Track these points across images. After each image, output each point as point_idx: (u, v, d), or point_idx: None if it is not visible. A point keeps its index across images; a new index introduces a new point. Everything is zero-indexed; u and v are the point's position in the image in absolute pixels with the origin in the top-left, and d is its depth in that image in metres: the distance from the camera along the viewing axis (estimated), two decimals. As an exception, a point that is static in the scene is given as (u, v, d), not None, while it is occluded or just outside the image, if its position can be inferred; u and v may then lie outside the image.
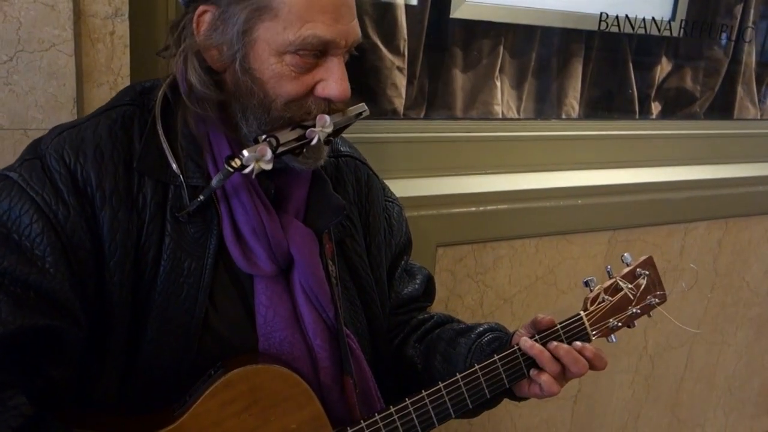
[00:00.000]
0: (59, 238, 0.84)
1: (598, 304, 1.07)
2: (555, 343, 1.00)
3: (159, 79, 0.98)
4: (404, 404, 0.96)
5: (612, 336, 1.09)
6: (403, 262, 1.19)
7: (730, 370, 2.34)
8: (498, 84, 1.95)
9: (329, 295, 0.98)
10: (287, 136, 0.89)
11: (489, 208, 1.66)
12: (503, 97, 1.99)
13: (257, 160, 0.87)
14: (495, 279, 1.72)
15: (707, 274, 2.14)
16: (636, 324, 1.11)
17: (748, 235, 2.19)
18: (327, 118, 0.90)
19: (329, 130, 0.91)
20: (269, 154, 0.88)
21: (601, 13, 1.91)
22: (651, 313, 1.12)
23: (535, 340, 1.00)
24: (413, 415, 0.96)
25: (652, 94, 2.27)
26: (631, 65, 2.17)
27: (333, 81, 0.89)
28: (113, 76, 1.12)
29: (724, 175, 2.09)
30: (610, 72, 2.17)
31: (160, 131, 0.91)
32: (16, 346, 0.78)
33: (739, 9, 2.27)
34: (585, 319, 1.05)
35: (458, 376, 0.98)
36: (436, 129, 1.77)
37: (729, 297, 2.21)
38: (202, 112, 0.89)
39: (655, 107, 2.30)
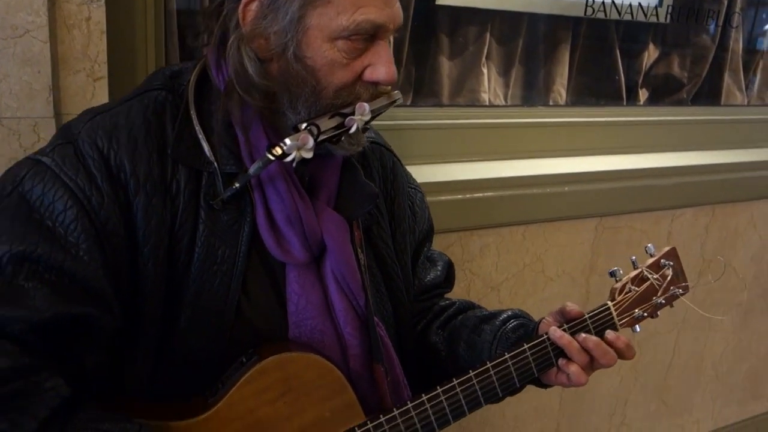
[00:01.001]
0: (93, 225, 0.83)
1: (625, 294, 1.07)
2: (584, 334, 1.00)
3: (186, 63, 0.97)
4: (436, 392, 0.96)
5: (637, 326, 1.09)
6: (425, 249, 1.19)
7: (718, 356, 2.36)
8: (485, 71, 1.94)
9: (360, 282, 0.98)
10: (327, 124, 0.89)
11: (475, 195, 1.65)
12: (490, 85, 1.97)
13: (299, 149, 0.87)
14: (482, 267, 1.72)
15: (694, 260, 2.15)
16: (659, 314, 1.11)
17: (734, 222, 2.19)
18: (366, 106, 0.90)
19: (367, 117, 0.91)
20: (311, 142, 0.87)
21: (587, -1, 1.90)
22: (673, 303, 1.12)
23: (564, 330, 1.00)
24: (445, 404, 0.96)
25: (640, 81, 2.27)
26: (618, 52, 2.16)
27: (381, 65, 0.89)
28: (90, 63, 1.10)
29: (711, 162, 2.09)
30: (598, 58, 2.16)
31: (194, 118, 0.91)
32: (51, 332, 0.78)
33: (726, -6, 2.27)
34: (612, 309, 1.05)
35: (489, 365, 0.98)
36: (423, 116, 1.75)
37: (716, 283, 2.22)
38: (251, 101, 0.88)
39: (643, 94, 2.30)
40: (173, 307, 0.89)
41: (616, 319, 1.05)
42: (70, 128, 0.89)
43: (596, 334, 1.02)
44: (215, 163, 0.90)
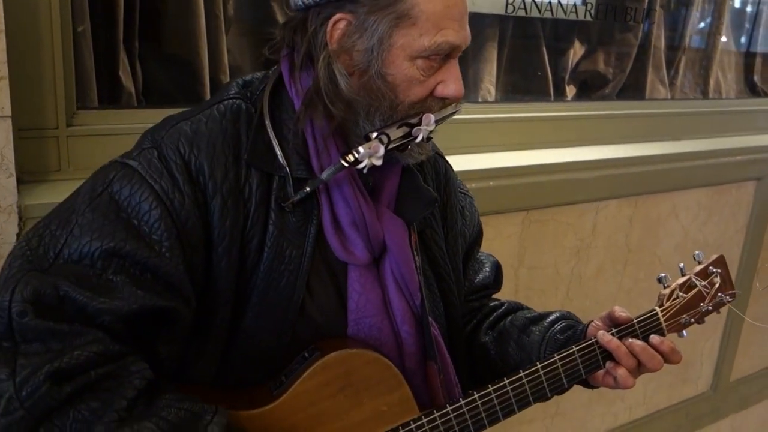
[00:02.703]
0: (175, 225, 0.89)
1: (673, 300, 1.09)
2: (631, 339, 1.04)
3: (256, 74, 1.05)
4: (487, 390, 1.00)
5: (684, 331, 1.11)
6: (475, 252, 1.25)
7: (647, 343, 2.42)
8: (413, 69, 1.96)
9: (418, 283, 1.03)
10: (396, 133, 0.96)
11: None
12: (420, 83, 1.99)
13: (370, 156, 0.94)
14: (410, 263, 1.72)
15: (620, 251, 2.21)
16: (705, 321, 1.13)
17: (656, 212, 2.26)
18: (432, 117, 0.96)
19: (432, 128, 0.97)
20: (381, 150, 0.94)
21: (507, -4, 1.93)
22: (719, 310, 1.15)
23: (612, 335, 1.04)
24: (495, 402, 1.00)
25: (566, 77, 2.32)
26: (545, 49, 2.21)
27: (452, 82, 0.96)
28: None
29: (632, 154, 2.15)
30: (526, 56, 2.20)
31: (269, 125, 0.97)
32: (136, 323, 0.84)
33: (646, -8, 2.34)
34: (660, 315, 1.08)
35: (538, 365, 1.03)
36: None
37: (641, 272, 2.29)
38: (336, 112, 0.95)
39: (570, 90, 2.35)
40: (241, 304, 0.95)
41: (663, 324, 1.08)
42: (153, 134, 0.95)
43: (643, 339, 1.06)
44: (287, 168, 0.96)
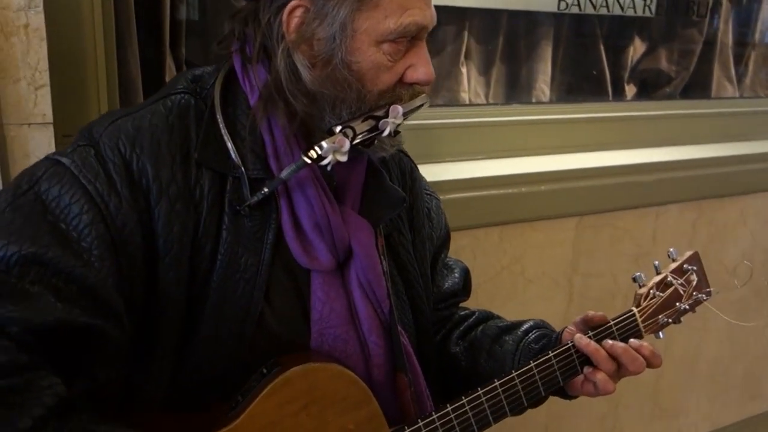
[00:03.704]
0: (108, 231, 0.80)
1: (650, 300, 1.06)
2: (610, 341, 0.99)
3: (207, 67, 0.97)
4: (461, 402, 0.94)
5: (660, 332, 1.08)
6: (443, 256, 1.18)
7: (712, 356, 2.30)
8: (464, 71, 1.92)
9: (385, 289, 0.97)
10: (361, 127, 0.89)
11: (449, 196, 1.61)
12: (470, 84, 1.95)
13: (335, 152, 0.86)
14: (457, 270, 1.68)
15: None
16: (682, 320, 1.10)
17: (723, 217, 2.14)
18: (399, 108, 0.89)
19: (400, 120, 0.90)
20: (347, 145, 0.87)
21: (560, -7, 1.86)
22: (696, 309, 1.11)
23: (589, 338, 1.00)
24: (469, 414, 0.94)
25: (626, 76, 2.23)
26: (602, 47, 2.13)
27: (421, 65, 0.90)
28: (30, 70, 1.08)
29: (696, 156, 2.04)
30: (582, 54, 2.13)
31: (221, 121, 0.89)
32: (53, 339, 0.74)
33: (712, -15, 2.23)
34: (638, 315, 1.05)
35: (514, 373, 0.97)
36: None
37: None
38: (298, 106, 0.89)
39: (630, 89, 2.26)
40: (193, 318, 0.87)
41: (641, 325, 1.04)
42: (91, 131, 0.86)
43: (621, 341, 1.01)
44: (242, 168, 0.88)
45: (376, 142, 0.91)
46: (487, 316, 1.17)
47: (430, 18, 0.90)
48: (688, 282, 1.08)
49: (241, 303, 0.87)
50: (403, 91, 0.91)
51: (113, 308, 0.79)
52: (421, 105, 0.94)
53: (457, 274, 1.18)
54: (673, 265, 1.09)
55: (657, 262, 1.09)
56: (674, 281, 1.07)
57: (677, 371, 2.24)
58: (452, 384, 1.10)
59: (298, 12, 0.87)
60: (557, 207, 1.79)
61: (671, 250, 1.10)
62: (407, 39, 0.89)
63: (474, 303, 1.74)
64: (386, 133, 0.89)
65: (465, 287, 1.19)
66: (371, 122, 0.89)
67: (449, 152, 1.77)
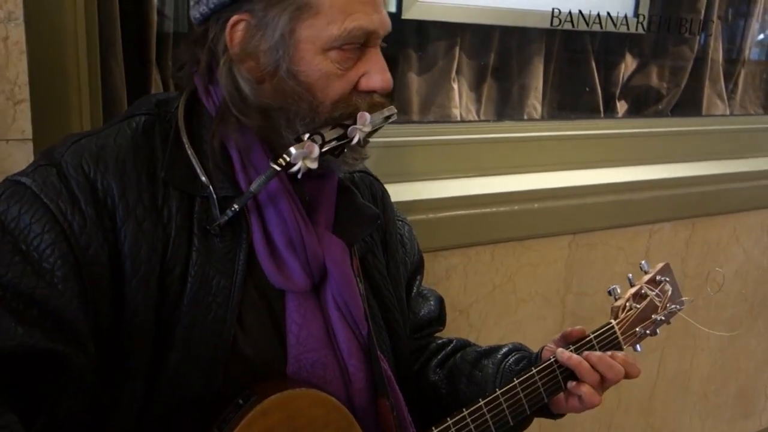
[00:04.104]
0: (72, 251, 0.77)
1: (627, 311, 1.06)
2: (586, 352, 1.00)
3: (174, 92, 0.96)
4: (446, 425, 0.92)
5: (638, 345, 1.08)
6: (417, 282, 1.17)
7: (705, 375, 2.28)
8: (455, 86, 1.90)
9: (363, 311, 0.94)
10: (330, 134, 0.87)
11: (441, 215, 1.59)
12: (461, 100, 1.93)
13: (304, 158, 0.84)
14: (449, 289, 1.65)
15: (676, 277, 2.08)
16: (659, 332, 1.09)
17: (716, 235, 2.13)
18: (367, 116, 0.87)
19: (368, 129, 0.88)
20: (317, 150, 0.85)
21: (553, 9, 1.85)
22: (671, 320, 1.12)
23: (570, 352, 1.00)
24: None
25: (617, 93, 2.22)
26: (593, 64, 2.12)
27: (376, 72, 0.88)
28: (10, 85, 1.04)
29: (688, 174, 2.03)
30: (574, 71, 2.12)
31: (185, 141, 0.88)
32: (11, 366, 0.71)
33: (702, 3, 2.23)
34: (616, 327, 1.05)
35: (498, 392, 0.96)
36: (391, 134, 1.69)
37: (700, 299, 2.15)
38: (249, 122, 0.87)
39: (621, 106, 2.26)
40: (162, 344, 0.83)
41: (620, 338, 1.05)
42: (52, 152, 0.84)
43: None
44: (210, 187, 0.86)
45: (346, 150, 0.89)
46: (464, 344, 1.16)
47: (378, 22, 0.87)
48: (663, 292, 1.09)
49: (214, 327, 0.84)
50: (359, 100, 0.88)
51: (78, 332, 0.76)
52: (390, 116, 0.91)
53: (432, 303, 1.16)
54: (647, 277, 1.09)
55: (631, 275, 1.09)
56: (649, 292, 1.08)
57: (669, 390, 2.21)
58: (433, 412, 1.06)
59: (241, 26, 0.86)
60: (550, 225, 1.77)
61: (642, 262, 1.10)
62: (356, 46, 0.86)
63: (466, 322, 1.72)
64: (355, 140, 0.87)
65: (440, 316, 1.18)
66: (339, 130, 0.87)
67: (439, 170, 1.75)
